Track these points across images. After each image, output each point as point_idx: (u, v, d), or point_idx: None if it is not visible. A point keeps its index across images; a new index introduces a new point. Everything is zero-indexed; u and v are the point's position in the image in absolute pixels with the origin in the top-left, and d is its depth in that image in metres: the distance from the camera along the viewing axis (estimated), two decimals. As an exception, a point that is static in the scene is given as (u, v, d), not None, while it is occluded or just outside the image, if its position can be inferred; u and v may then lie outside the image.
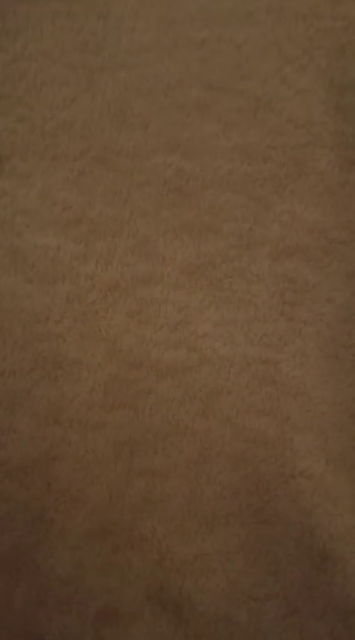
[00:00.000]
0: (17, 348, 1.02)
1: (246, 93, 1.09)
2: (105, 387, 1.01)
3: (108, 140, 1.08)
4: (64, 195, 1.06)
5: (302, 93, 1.07)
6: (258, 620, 0.93)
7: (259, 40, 1.09)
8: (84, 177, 1.08)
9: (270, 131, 1.07)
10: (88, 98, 1.10)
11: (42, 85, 1.10)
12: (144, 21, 1.09)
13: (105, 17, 1.10)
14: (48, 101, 1.09)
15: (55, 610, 0.93)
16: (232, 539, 0.97)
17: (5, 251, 1.05)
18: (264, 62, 1.09)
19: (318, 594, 0.94)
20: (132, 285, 1.04)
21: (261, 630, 0.91)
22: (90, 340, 1.02)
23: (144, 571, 0.95)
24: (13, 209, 1.04)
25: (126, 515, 0.97)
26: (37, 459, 0.99)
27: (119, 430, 1.01)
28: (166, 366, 1.02)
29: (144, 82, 1.08)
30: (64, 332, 1.02)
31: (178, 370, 1.02)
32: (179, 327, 1.03)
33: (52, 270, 1.04)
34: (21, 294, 1.04)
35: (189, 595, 0.94)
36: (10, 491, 0.99)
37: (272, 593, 0.94)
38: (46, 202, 1.06)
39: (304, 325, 1.03)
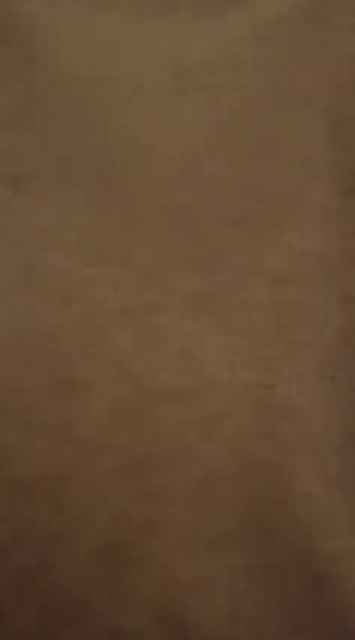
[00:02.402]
0: (32, 365, 1.03)
1: (250, 136, 1.11)
2: (112, 408, 1.03)
3: (119, 173, 1.10)
4: (76, 220, 1.08)
5: (303, 132, 1.10)
6: (260, 640, 0.94)
7: (263, 85, 1.14)
8: (95, 205, 1.09)
9: (271, 170, 1.10)
10: (102, 130, 1.11)
11: (57, 113, 1.11)
12: (159, 66, 1.14)
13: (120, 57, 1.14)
14: (63, 129, 1.10)
15: (61, 630, 0.93)
16: (235, 560, 0.98)
17: (21, 268, 1.06)
18: (267, 106, 1.13)
19: (319, 614, 0.95)
20: (139, 312, 1.06)
21: (264, 649, 0.92)
22: (100, 362, 1.04)
23: (149, 591, 0.95)
24: (30, 227, 1.06)
25: (131, 536, 0.98)
26: (50, 478, 1.00)
27: (125, 452, 1.01)
28: (171, 391, 1.03)
29: (156, 121, 1.11)
30: (77, 352, 1.03)
31: (182, 395, 1.03)
32: (183, 354, 1.05)
33: (66, 290, 1.05)
34: (35, 312, 1.05)
35: (192, 615, 0.94)
36: (21, 509, 0.99)
37: (275, 614, 0.95)
38: (59, 224, 1.07)
39: (299, 348, 1.05)
